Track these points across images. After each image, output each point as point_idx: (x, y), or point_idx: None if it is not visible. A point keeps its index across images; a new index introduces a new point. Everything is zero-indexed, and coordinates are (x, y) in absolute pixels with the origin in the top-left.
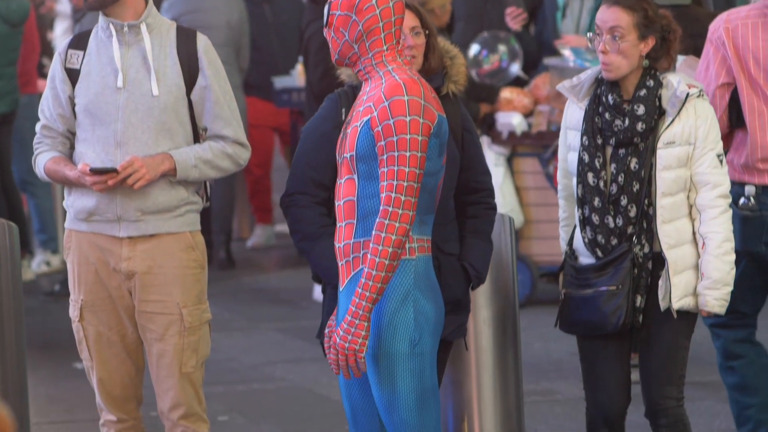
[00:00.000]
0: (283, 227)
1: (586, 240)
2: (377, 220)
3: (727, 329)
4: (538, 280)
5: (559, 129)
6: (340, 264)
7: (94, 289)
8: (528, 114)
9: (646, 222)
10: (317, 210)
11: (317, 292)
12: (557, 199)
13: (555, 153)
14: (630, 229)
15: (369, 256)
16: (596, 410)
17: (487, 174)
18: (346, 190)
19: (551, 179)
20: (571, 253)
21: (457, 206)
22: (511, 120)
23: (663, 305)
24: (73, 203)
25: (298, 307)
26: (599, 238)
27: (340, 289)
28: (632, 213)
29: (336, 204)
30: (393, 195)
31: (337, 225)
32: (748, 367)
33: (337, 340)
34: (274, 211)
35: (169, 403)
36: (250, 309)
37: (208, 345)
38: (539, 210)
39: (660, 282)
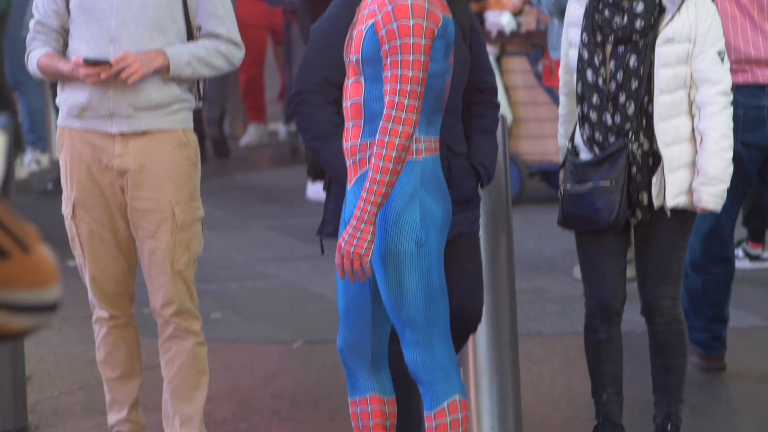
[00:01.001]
0: (275, 126)
1: (585, 137)
2: (381, 124)
3: (704, 243)
4: (527, 178)
5: (547, 28)
6: (348, 162)
7: (87, 186)
8: (517, 13)
9: (645, 119)
10: (329, 109)
11: (310, 190)
12: (546, 98)
13: (545, 52)
14: (627, 126)
15: (373, 160)
16: (594, 304)
17: (491, 73)
18: (353, 91)
19: (540, 78)
20: (573, 149)
21: (463, 105)
22: (500, 19)
23: (657, 203)
24: (66, 99)
25: (291, 205)
26: (597, 135)
27: (348, 188)
28: (630, 110)
29: (344, 104)
30: (396, 99)
31: (345, 125)
32: (713, 283)
33: (343, 244)
34: (267, 110)
35: (161, 300)
36: (243, 207)
37: (200, 242)
38: (528, 109)
39: (654, 179)
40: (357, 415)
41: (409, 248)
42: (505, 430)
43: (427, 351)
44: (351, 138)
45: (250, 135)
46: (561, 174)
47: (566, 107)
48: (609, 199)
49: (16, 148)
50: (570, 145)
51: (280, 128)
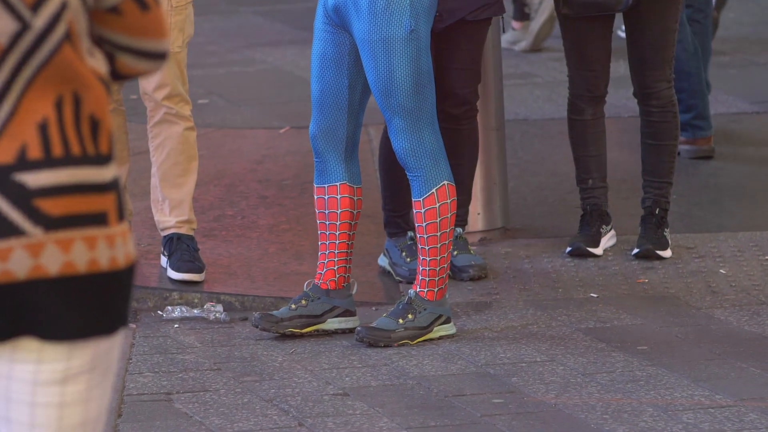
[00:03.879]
0: None
1: None
2: None
3: None
4: None
5: None
6: None
7: None
8: None
9: None
10: None
11: None
12: None
13: None
14: None
15: None
16: (581, 89)
17: None
18: None
19: None
20: None
21: None
22: None
23: None
24: None
25: None
26: None
27: None
28: None
29: None
30: None
31: None
32: (682, 52)
33: None
34: None
35: (153, 83)
36: None
37: (192, 26)
38: None
39: None
40: (324, 202)
41: (399, 34)
42: (492, 215)
43: (415, 137)
44: None
45: None
46: None
47: None
48: None
49: None
50: None
51: None
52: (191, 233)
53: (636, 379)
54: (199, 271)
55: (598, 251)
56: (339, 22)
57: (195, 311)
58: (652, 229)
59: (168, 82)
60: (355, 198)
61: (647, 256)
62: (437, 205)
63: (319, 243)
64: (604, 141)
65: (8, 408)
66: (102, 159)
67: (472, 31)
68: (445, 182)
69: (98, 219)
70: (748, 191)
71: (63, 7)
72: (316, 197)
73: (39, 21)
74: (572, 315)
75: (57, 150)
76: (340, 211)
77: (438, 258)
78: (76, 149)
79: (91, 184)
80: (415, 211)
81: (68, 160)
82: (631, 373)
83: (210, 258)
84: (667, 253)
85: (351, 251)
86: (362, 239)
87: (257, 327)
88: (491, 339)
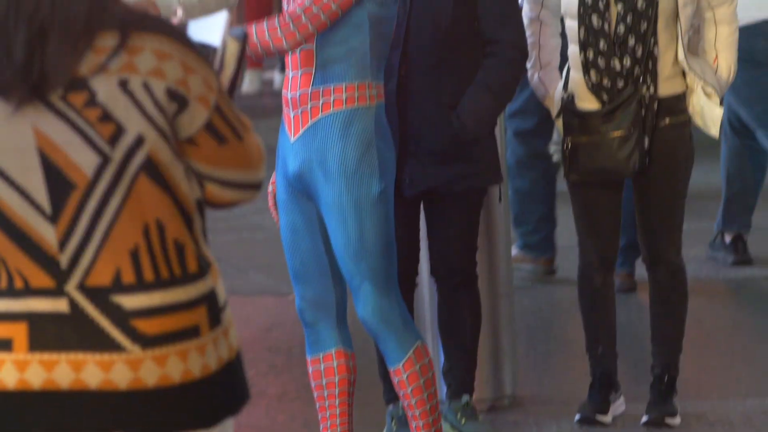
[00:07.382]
0: (271, 74)
1: (590, 84)
2: (276, 18)
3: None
4: None
5: None
6: (291, 113)
7: None
8: None
9: (651, 63)
10: None
11: None
12: None
13: None
14: (636, 70)
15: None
16: (592, 256)
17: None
18: None
19: None
20: (569, 98)
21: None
22: None
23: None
24: None
25: None
26: (605, 81)
27: (292, 140)
28: (639, 53)
29: (291, 53)
30: (298, 11)
31: (290, 74)
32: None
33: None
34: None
35: None
36: None
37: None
38: None
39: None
40: (320, 373)
41: (370, 195)
42: (500, 382)
43: (385, 300)
44: (300, 86)
45: (246, 83)
46: (558, 124)
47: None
48: (629, 148)
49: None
50: (565, 94)
51: (276, 76)
52: None
53: None
54: None
55: (607, 419)
56: (302, 188)
57: None
58: (661, 396)
59: None
60: (351, 364)
61: (657, 423)
62: (417, 366)
63: (320, 416)
64: (614, 308)
65: None
66: (189, 278)
67: (454, 202)
68: (419, 342)
69: (190, 333)
70: (756, 356)
71: (139, 140)
72: (311, 370)
73: (117, 153)
74: None
75: (148, 275)
76: (338, 378)
77: (430, 420)
78: (164, 273)
79: (180, 303)
80: (396, 380)
81: (158, 284)
82: None
83: None
84: (676, 421)
85: (351, 420)
86: (370, 408)
87: None
88: None
